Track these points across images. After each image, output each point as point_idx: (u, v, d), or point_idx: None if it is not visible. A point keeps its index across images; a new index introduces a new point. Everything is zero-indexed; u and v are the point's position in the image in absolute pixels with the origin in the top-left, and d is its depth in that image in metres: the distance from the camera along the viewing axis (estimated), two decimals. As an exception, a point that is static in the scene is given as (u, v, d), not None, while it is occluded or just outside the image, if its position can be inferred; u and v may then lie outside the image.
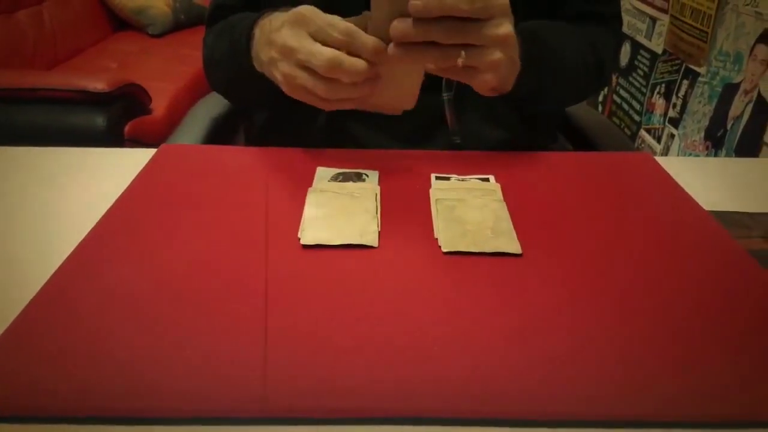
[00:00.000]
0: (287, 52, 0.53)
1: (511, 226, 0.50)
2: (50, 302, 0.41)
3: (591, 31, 0.75)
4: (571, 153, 0.70)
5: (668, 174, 0.61)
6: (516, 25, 0.57)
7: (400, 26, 0.50)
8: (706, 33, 1.36)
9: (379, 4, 0.52)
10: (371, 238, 0.48)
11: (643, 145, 1.67)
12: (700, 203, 0.56)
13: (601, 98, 1.98)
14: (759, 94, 1.18)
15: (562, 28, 0.71)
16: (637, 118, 1.72)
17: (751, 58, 1.22)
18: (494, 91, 0.59)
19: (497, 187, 0.57)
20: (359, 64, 0.51)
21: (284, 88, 0.56)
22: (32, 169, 0.62)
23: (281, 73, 0.55)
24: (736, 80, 1.27)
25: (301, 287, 0.43)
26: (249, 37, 0.62)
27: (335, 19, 0.52)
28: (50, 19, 2.12)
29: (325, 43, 0.51)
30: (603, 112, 1.97)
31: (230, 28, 0.68)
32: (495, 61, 0.53)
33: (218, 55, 0.70)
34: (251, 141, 0.82)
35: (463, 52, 0.51)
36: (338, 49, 0.51)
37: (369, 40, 0.51)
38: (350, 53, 0.51)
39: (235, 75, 0.68)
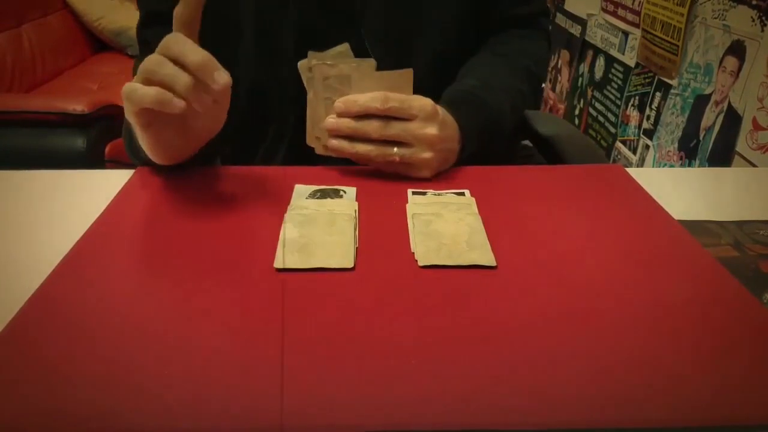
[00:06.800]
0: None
1: (486, 239, 0.51)
2: (32, 321, 0.41)
3: (523, 49, 0.79)
4: (545, 166, 0.72)
5: (639, 185, 0.62)
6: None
7: (330, 120, 0.59)
8: (677, 46, 1.39)
9: (314, 107, 0.60)
10: (347, 261, 0.48)
11: (619, 157, 1.70)
12: (672, 213, 0.57)
13: (577, 111, 2.02)
14: (729, 105, 1.21)
15: (501, 71, 0.74)
16: (612, 130, 1.75)
17: (720, 69, 1.25)
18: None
19: (472, 201, 0.58)
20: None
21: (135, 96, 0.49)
22: (11, 191, 0.62)
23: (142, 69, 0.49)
24: (707, 91, 1.30)
25: (276, 309, 0.43)
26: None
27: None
28: (29, 42, 2.12)
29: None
30: (579, 125, 2.00)
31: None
32: (425, 159, 0.60)
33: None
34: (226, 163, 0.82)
35: (396, 149, 0.59)
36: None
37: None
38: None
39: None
